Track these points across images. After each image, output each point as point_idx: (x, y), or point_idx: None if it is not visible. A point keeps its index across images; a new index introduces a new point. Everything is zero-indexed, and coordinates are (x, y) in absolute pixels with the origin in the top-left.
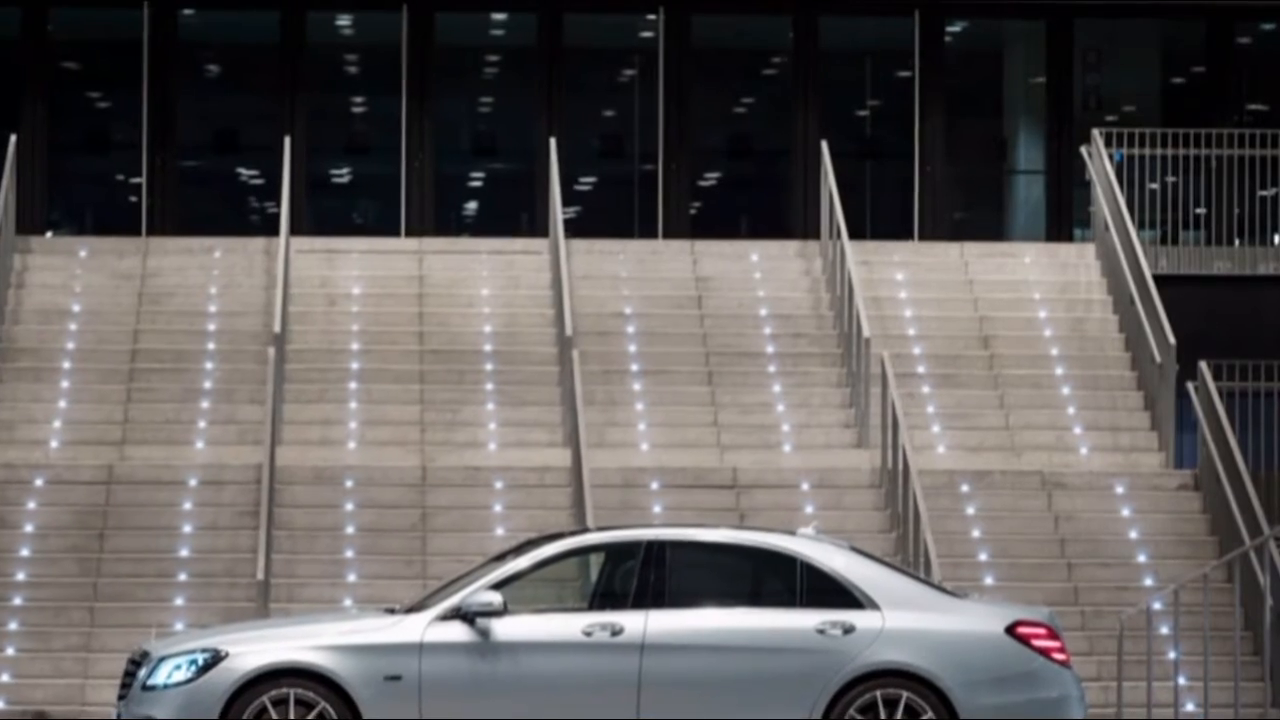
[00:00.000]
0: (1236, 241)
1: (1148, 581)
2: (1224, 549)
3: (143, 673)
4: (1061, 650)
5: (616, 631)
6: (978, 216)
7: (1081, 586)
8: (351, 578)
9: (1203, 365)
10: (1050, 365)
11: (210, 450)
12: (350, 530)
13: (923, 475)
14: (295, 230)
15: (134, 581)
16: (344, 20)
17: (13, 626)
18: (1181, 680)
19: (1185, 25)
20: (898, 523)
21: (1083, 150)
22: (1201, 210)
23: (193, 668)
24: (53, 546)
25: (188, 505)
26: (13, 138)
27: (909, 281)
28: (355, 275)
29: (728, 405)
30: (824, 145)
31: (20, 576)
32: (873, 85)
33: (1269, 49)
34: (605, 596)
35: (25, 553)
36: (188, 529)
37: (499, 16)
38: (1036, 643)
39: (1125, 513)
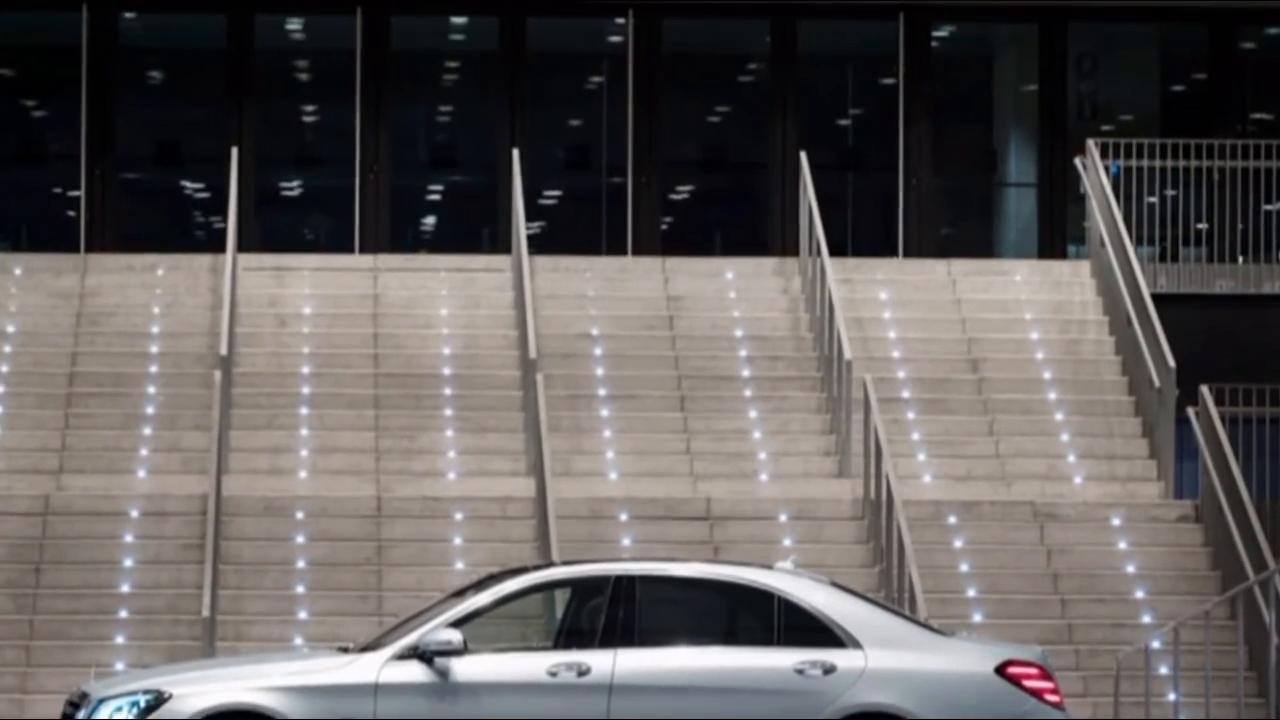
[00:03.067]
0: (1240, 259)
1: (1146, 619)
2: (1227, 584)
3: (81, 715)
4: (1055, 691)
5: (583, 672)
6: (966, 232)
7: (1076, 624)
8: (302, 615)
9: (1204, 390)
10: (1043, 390)
11: (153, 480)
12: (301, 564)
13: (908, 506)
14: (243, 246)
15: (72, 619)
16: (295, 24)
17: None
18: None
19: (1185, 29)
20: (881, 556)
21: (1077, 162)
22: (1203, 225)
23: (134, 709)
24: None
25: (129, 538)
26: None
27: (893, 301)
28: (306, 294)
29: (701, 432)
30: (803, 156)
31: None
32: (855, 93)
33: (1274, 54)
34: (571, 635)
35: None
36: (129, 563)
37: (459, 20)
38: (1028, 684)
39: (1122, 546)
